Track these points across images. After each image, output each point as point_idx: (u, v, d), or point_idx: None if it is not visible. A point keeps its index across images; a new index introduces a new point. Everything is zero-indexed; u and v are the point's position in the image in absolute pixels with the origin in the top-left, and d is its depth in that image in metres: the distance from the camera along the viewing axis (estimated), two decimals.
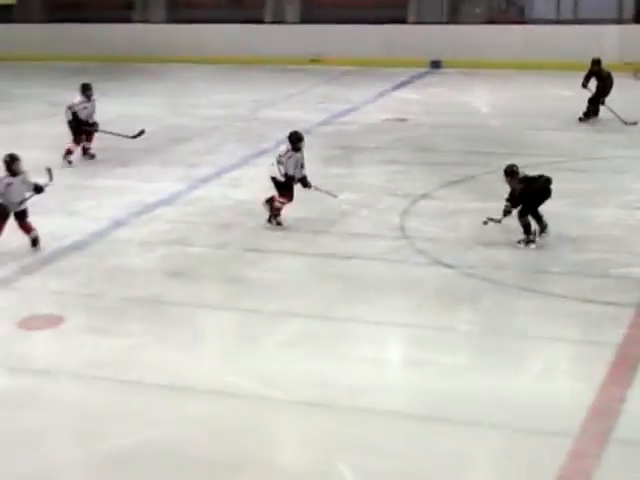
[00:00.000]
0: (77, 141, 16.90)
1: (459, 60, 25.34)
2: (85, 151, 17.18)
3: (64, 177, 15.69)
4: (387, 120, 19.79)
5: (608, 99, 18.50)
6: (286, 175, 12.94)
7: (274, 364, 9.20)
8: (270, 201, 13.16)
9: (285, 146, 13.12)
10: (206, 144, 17.75)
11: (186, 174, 15.93)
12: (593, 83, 18.62)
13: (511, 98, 22.18)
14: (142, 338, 9.86)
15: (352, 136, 18.51)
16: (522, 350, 9.43)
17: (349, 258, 11.91)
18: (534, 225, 12.16)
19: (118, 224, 13.39)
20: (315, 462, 7.63)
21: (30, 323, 10.27)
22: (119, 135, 16.78)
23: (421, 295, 10.80)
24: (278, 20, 27.97)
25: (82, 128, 16.72)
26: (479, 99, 21.93)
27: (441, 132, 18.69)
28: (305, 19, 27.91)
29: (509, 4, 27.33)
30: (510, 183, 12.03)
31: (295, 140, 12.99)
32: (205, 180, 15.56)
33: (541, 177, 12.11)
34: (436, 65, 25.77)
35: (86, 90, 17.07)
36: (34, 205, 13.93)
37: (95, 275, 11.64)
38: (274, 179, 13.09)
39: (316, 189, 13.30)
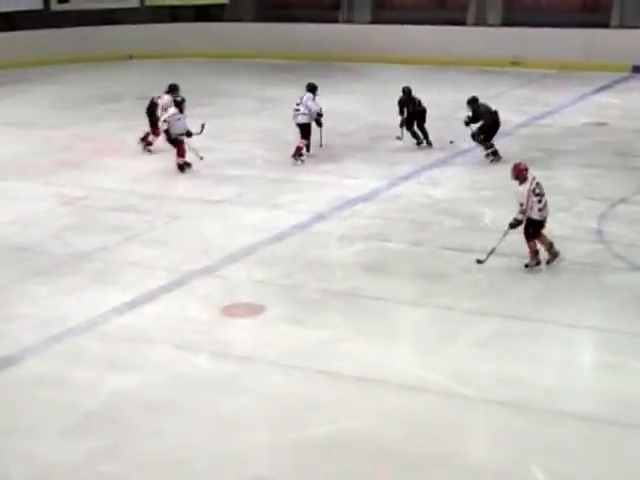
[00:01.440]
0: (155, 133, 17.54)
1: None
2: (148, 143, 17.71)
3: (269, 171, 16.32)
4: (586, 124, 19.51)
5: None
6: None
7: (467, 362, 9.29)
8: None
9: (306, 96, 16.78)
10: (406, 143, 17.93)
11: (387, 172, 16.17)
12: None
13: None
14: (340, 330, 10.12)
15: (551, 138, 18.34)
16: None
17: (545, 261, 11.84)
18: None
19: (319, 218, 13.73)
20: (506, 462, 7.68)
21: (233, 311, 10.69)
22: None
23: (617, 300, 10.67)
24: (480, 22, 27.84)
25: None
26: None
27: None
28: (506, 22, 27.69)
29: None
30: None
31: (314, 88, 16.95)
32: (405, 178, 15.75)
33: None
34: (638, 70, 25.05)
35: (174, 91, 17.29)
36: (241, 197, 14.61)
37: (296, 267, 11.99)
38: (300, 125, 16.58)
39: None
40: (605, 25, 26.04)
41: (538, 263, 11.63)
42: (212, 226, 13.64)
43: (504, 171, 15.54)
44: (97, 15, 29.90)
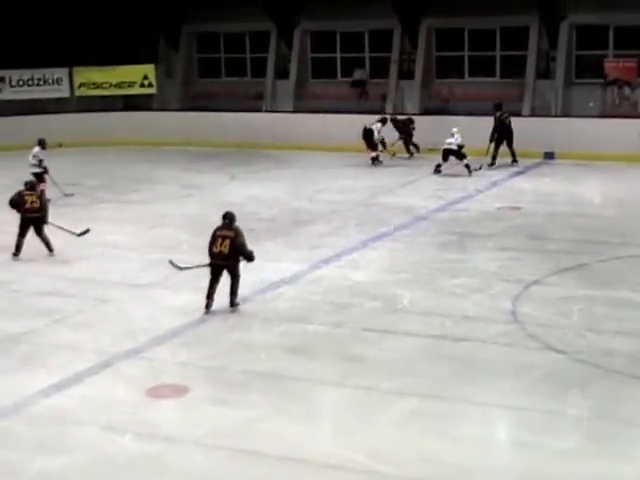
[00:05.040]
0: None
1: (572, 152, 25.61)
2: None
3: (195, 255, 16.51)
4: (501, 208, 20.16)
5: None
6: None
7: (387, 441, 9.54)
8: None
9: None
10: (327, 227, 18.38)
11: (308, 255, 16.57)
12: None
13: (624, 189, 22.26)
14: (262, 410, 10.35)
15: (467, 223, 18.90)
16: (632, 437, 9.57)
17: (461, 340, 12.27)
18: None
19: (242, 301, 13.94)
20: None
21: (158, 392, 10.87)
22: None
23: (531, 379, 11.03)
24: (399, 111, 28.65)
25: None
26: (592, 190, 22.07)
27: (554, 221, 18.94)
28: (425, 111, 28.70)
29: (622, 98, 27.48)
30: None
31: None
32: (326, 261, 16.14)
33: None
34: (549, 156, 26.06)
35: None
36: (168, 281, 14.83)
37: (219, 348, 12.25)
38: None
39: None
40: (518, 114, 27.07)
41: None
42: (138, 309, 13.88)
43: (421, 254, 16.23)
44: (28, 104, 30.31)
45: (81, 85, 31.50)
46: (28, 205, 16.63)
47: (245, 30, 31.29)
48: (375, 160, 25.65)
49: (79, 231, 17.14)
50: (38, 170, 20.94)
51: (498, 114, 25.32)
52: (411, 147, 26.74)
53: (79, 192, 22.83)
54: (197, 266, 13.90)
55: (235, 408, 10.43)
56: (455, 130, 24.24)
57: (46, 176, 21.07)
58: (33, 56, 29.25)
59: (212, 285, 13.58)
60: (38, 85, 31.02)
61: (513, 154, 25.39)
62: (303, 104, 30.20)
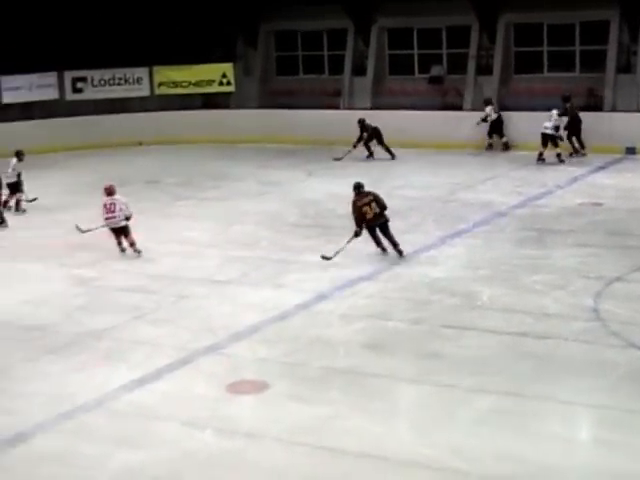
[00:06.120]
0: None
1: None
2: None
3: (273, 252, 16.70)
4: (582, 204, 19.86)
5: None
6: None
7: (467, 439, 9.49)
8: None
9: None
10: (405, 224, 18.32)
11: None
12: None
13: None
14: (341, 407, 10.37)
15: (547, 219, 18.68)
16: None
17: (542, 338, 12.14)
18: None
19: (321, 297, 14.04)
20: None
21: (237, 388, 10.97)
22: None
23: (614, 377, 10.86)
24: (476, 107, 28.46)
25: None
26: None
27: (635, 217, 18.59)
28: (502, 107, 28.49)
29: None
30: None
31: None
32: (404, 258, 16.06)
33: None
34: (631, 151, 25.61)
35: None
36: (246, 277, 14.96)
37: (298, 345, 12.29)
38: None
39: None
40: (599, 109, 26.65)
41: None
42: (217, 305, 14.01)
43: (500, 250, 16.08)
44: (109, 104, 30.86)
45: (161, 84, 31.89)
46: None
47: (323, 28, 31.32)
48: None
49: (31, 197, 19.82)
50: (14, 180, 21.24)
51: (568, 105, 25.27)
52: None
53: (159, 189, 23.13)
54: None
55: (314, 404, 10.46)
56: (554, 112, 24.43)
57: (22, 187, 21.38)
58: (114, 56, 29.70)
59: (378, 242, 15.95)
60: (119, 84, 31.53)
61: (581, 146, 25.33)
62: (380, 101, 30.12)
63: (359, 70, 30.81)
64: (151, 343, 12.48)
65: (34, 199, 20.99)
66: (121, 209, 16.88)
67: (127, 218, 16.91)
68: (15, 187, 21.08)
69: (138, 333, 12.93)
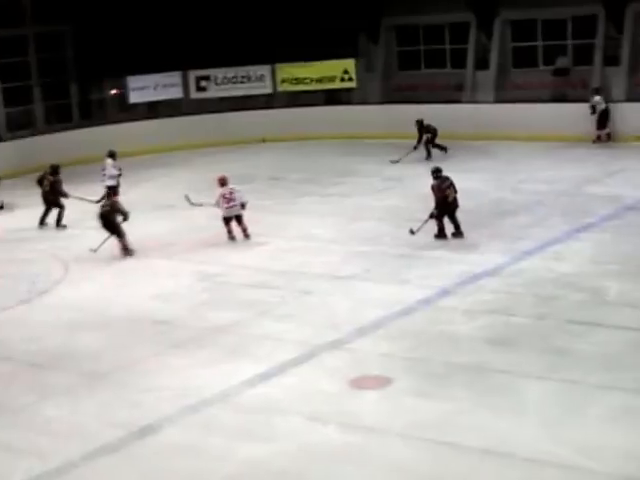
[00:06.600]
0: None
1: None
2: None
3: (396, 247, 16.67)
4: None
5: None
6: None
7: (594, 436, 9.31)
8: None
9: None
10: (531, 218, 18.04)
11: (511, 247, 16.28)
12: None
13: None
14: (465, 403, 10.29)
15: None
16: None
17: None
18: None
19: (444, 293, 13.97)
20: None
21: (361, 383, 10.99)
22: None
23: None
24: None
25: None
26: None
27: None
28: (631, 97, 27.70)
29: None
30: None
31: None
32: (529, 253, 15.82)
33: None
34: None
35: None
36: (369, 273, 14.97)
37: (421, 341, 12.25)
38: None
39: None
40: None
41: None
42: (340, 300, 14.06)
43: (630, 245, 15.66)
44: (233, 101, 31.30)
45: (283, 81, 32.17)
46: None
47: (444, 22, 31.09)
48: None
49: (96, 198, 19.08)
50: (112, 183, 21.49)
51: None
52: None
53: (282, 186, 23.33)
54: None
55: (437, 400, 10.41)
56: None
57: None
58: (237, 54, 30.14)
59: (443, 227, 16.70)
60: (242, 82, 31.95)
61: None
62: (504, 94, 29.73)
63: (482, 63, 30.48)
64: (275, 338, 12.61)
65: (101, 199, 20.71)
66: (239, 197, 17.73)
67: (242, 205, 17.65)
68: (114, 190, 21.32)
69: (262, 328, 13.07)
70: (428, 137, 25.57)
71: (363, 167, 25.12)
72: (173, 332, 13.10)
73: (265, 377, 11.31)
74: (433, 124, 25.55)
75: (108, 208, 17.54)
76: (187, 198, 18.48)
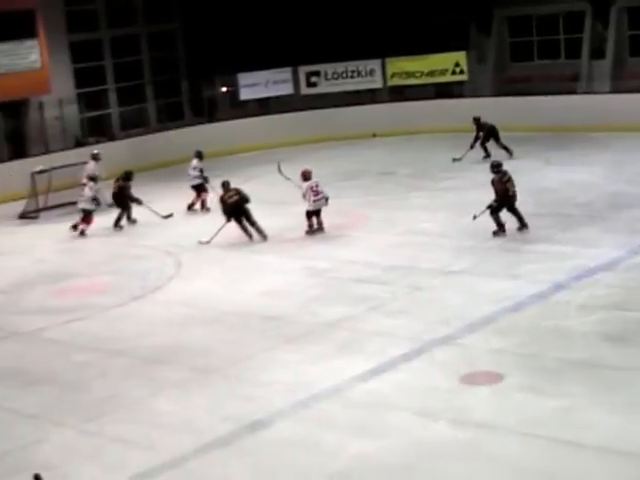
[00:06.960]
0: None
1: None
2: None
3: (507, 242, 16.46)
4: None
5: None
6: None
7: None
8: None
9: None
10: None
11: (627, 240, 15.93)
12: None
13: None
14: (579, 399, 10.11)
15: None
16: None
17: None
18: None
19: (558, 287, 13.73)
20: None
21: (472, 378, 10.90)
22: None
23: None
24: None
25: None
26: None
27: None
28: None
29: None
30: None
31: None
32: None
33: None
34: None
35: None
36: (479, 268, 14.80)
37: (534, 336, 12.07)
38: None
39: None
40: None
41: None
42: (451, 296, 13.96)
43: None
44: (342, 97, 31.37)
45: (393, 75, 32.05)
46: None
47: (559, 11, 30.54)
48: None
49: (164, 214, 19.76)
50: (198, 182, 21.52)
51: None
52: None
53: (393, 181, 23.25)
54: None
55: (550, 396, 10.25)
56: None
57: (207, 185, 21.50)
58: (346, 49, 30.15)
59: (501, 222, 16.76)
60: (352, 77, 31.98)
61: None
62: (621, 84, 29.03)
63: (597, 53, 29.83)
64: (386, 333, 12.59)
65: (169, 215, 20.69)
66: (324, 191, 18.11)
67: (326, 200, 18.00)
68: (199, 188, 21.52)
69: (373, 324, 13.07)
70: (481, 135, 24.87)
71: (473, 160, 24.81)
72: (284, 328, 13.21)
73: (376, 372, 11.30)
74: (490, 122, 24.92)
75: (237, 197, 18.02)
76: (279, 166, 19.33)
